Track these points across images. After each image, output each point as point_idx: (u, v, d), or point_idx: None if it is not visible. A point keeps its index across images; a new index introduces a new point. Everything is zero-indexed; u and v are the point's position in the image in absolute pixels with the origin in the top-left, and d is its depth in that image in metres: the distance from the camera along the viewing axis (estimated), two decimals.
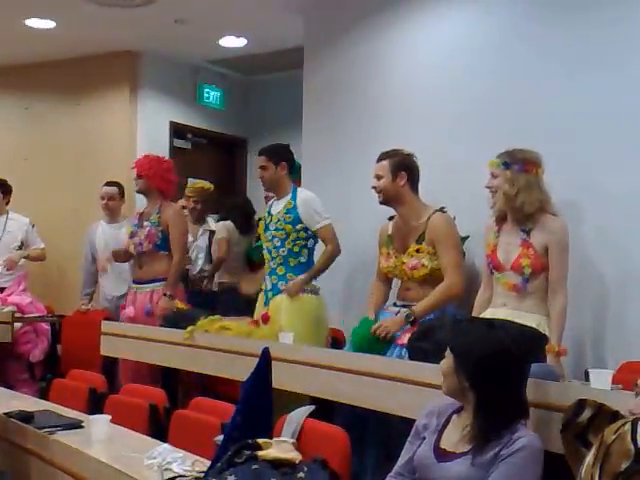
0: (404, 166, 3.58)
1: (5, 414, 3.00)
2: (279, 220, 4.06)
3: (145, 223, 4.75)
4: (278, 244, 4.07)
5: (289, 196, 4.08)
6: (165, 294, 4.59)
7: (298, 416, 2.97)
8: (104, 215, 5.51)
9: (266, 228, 4.17)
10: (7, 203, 5.65)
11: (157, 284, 4.68)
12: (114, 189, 5.45)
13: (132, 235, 4.81)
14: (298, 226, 4.01)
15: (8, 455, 3.00)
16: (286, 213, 4.04)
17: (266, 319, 3.98)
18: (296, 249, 4.04)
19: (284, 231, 4.03)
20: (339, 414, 3.30)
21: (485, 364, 2.05)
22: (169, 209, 4.76)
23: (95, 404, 3.72)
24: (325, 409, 3.20)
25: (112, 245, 5.26)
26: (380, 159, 3.62)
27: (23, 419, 2.99)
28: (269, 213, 4.17)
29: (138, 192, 4.86)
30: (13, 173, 5.83)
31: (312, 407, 3.03)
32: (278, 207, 4.11)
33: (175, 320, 4.31)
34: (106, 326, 4.68)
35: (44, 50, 5.84)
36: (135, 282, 4.83)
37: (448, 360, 2.14)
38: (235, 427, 2.29)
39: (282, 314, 3.95)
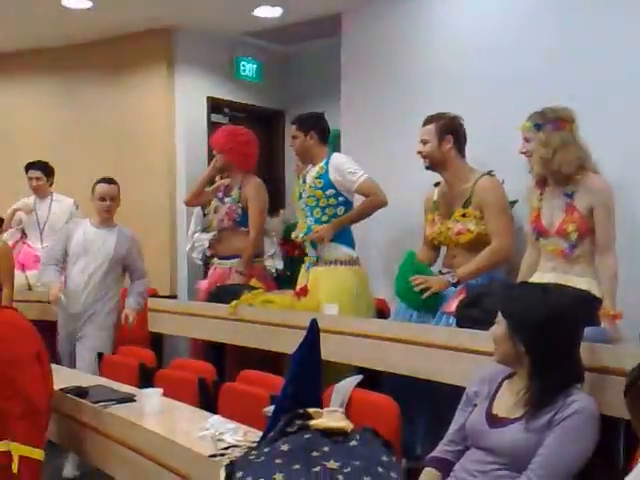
0: (450, 130, 3.51)
1: (61, 389, 3.06)
2: (310, 187, 4.02)
3: (226, 199, 4.70)
4: (308, 213, 4.04)
5: (322, 162, 4.03)
6: (238, 271, 4.55)
7: (346, 386, 2.98)
8: (97, 216, 4.61)
9: (300, 197, 4.15)
10: (51, 185, 5.72)
11: (235, 261, 4.65)
12: (115, 188, 4.60)
13: (215, 210, 4.75)
14: (328, 191, 3.95)
15: (65, 429, 3.07)
16: (317, 178, 4.00)
17: (303, 292, 3.97)
18: (325, 219, 3.99)
19: (314, 197, 3.99)
20: (387, 383, 3.29)
21: (541, 328, 2.03)
22: (249, 184, 4.67)
23: (145, 379, 3.78)
24: (372, 379, 3.20)
25: (92, 253, 4.51)
26: (425, 123, 3.56)
27: (78, 394, 3.05)
28: (304, 181, 4.12)
29: (219, 168, 4.80)
30: (56, 155, 5.88)
31: (360, 377, 3.03)
32: (311, 174, 4.07)
33: (219, 295, 4.34)
34: (153, 303, 4.74)
35: (81, 31, 5.85)
36: (217, 257, 4.81)
37: (500, 326, 2.12)
38: (286, 398, 2.30)
39: (321, 287, 3.92)
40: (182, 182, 5.80)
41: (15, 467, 2.59)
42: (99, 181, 4.62)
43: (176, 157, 5.85)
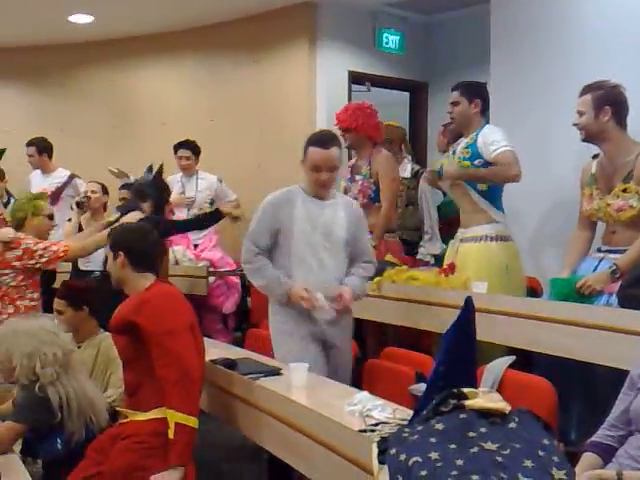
0: (608, 100, 3.29)
1: (211, 361, 3.14)
2: (458, 158, 3.88)
3: (357, 177, 4.62)
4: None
5: (474, 133, 3.85)
6: (372, 246, 4.30)
7: (498, 367, 2.89)
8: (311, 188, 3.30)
9: None
10: (196, 163, 5.91)
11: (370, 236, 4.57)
12: (333, 152, 3.18)
13: (345, 191, 4.65)
14: (476, 161, 3.78)
15: (216, 399, 3.14)
16: (465, 148, 3.85)
17: (451, 269, 3.87)
18: (483, 187, 3.82)
19: (462, 169, 3.85)
20: (539, 365, 3.17)
21: None
22: (378, 157, 4.57)
23: None
24: (524, 360, 3.09)
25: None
26: (582, 93, 3.36)
27: (228, 366, 3.11)
28: (453, 153, 3.98)
29: (348, 147, 4.75)
30: (200, 133, 6.06)
31: (512, 357, 2.94)
32: (461, 145, 3.92)
33: None
34: None
35: (225, 9, 5.97)
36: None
37: None
38: (439, 376, 2.23)
39: (470, 263, 3.80)
40: None
41: (171, 433, 2.68)
42: (312, 142, 3.22)
43: None
